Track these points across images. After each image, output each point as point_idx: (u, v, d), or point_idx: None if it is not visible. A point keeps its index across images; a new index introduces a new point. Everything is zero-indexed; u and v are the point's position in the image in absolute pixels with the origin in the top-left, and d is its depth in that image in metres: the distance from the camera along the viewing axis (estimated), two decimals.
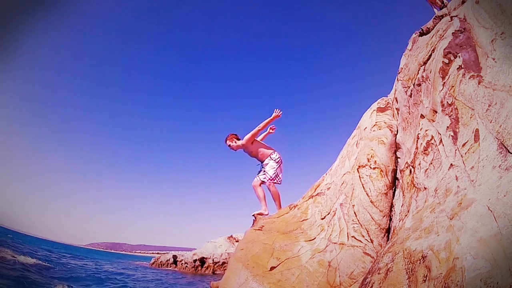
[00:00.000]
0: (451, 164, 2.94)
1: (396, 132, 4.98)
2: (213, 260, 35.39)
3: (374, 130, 5.18)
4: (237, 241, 37.60)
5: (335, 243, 4.09)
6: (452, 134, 3.13)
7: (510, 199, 1.95)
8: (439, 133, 3.41)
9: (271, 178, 5.80)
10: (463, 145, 2.89)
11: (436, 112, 3.60)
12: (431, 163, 3.39)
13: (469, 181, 2.55)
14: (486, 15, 3.46)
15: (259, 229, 4.86)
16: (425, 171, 3.48)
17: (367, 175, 4.55)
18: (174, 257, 39.32)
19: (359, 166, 4.72)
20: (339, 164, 5.53)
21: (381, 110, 5.67)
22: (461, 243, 2.01)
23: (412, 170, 3.86)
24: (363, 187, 4.46)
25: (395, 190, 4.45)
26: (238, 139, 6.16)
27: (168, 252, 47.11)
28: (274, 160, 5.96)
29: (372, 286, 2.64)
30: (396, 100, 5.23)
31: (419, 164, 3.69)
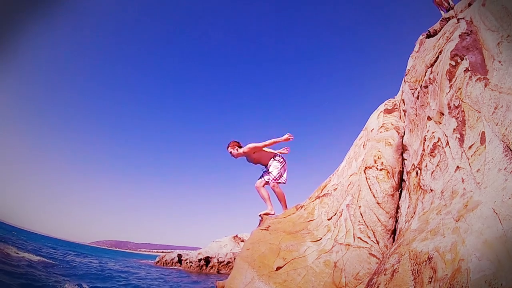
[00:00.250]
0: (458, 167, 2.95)
1: (403, 134, 4.98)
2: (218, 259, 35.43)
3: (381, 132, 5.18)
4: (242, 241, 37.63)
5: (341, 244, 4.11)
6: (458, 136, 3.14)
7: None
8: (445, 135, 3.41)
9: (275, 178, 5.81)
10: (470, 147, 2.90)
11: (443, 114, 3.60)
12: (438, 165, 3.40)
13: (475, 184, 2.56)
14: (492, 18, 3.46)
15: (265, 229, 4.89)
16: (432, 173, 3.49)
17: (373, 177, 4.56)
18: (179, 256, 39.40)
19: (366, 167, 4.73)
20: (346, 165, 5.54)
21: (388, 111, 5.68)
22: (466, 245, 2.03)
23: (419, 172, 3.87)
24: (370, 188, 4.47)
25: (401, 191, 4.45)
26: (240, 147, 6.15)
27: (173, 251, 47.23)
28: (278, 161, 5.99)
29: (378, 286, 2.66)
30: (403, 102, 5.23)
31: (426, 166, 3.69)
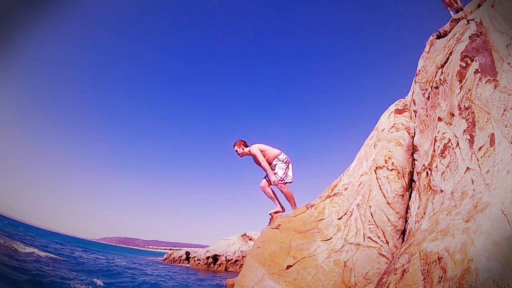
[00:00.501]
0: (467, 168, 2.97)
1: (413, 134, 4.98)
2: (226, 257, 35.55)
3: (392, 132, 5.19)
4: (250, 239, 37.71)
5: (351, 243, 4.13)
6: (468, 137, 3.15)
7: None
8: (456, 136, 3.42)
9: (281, 179, 5.84)
10: (479, 149, 2.92)
11: (453, 115, 3.61)
12: (448, 166, 3.41)
13: (484, 185, 2.59)
14: (501, 20, 3.48)
15: (276, 228, 4.93)
16: (442, 174, 3.50)
17: (384, 177, 4.58)
18: (187, 253, 39.56)
19: (376, 167, 4.75)
20: (356, 164, 5.56)
21: (398, 111, 5.68)
22: (476, 246, 2.06)
23: (429, 172, 3.87)
24: (380, 188, 4.49)
25: (411, 192, 4.46)
26: (246, 146, 6.26)
27: (181, 248, 47.39)
28: (282, 161, 6.00)
29: (388, 286, 2.70)
30: (414, 102, 5.23)
31: (436, 166, 3.70)
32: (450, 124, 3.65)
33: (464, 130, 3.27)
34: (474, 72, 3.45)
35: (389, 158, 4.72)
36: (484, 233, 2.09)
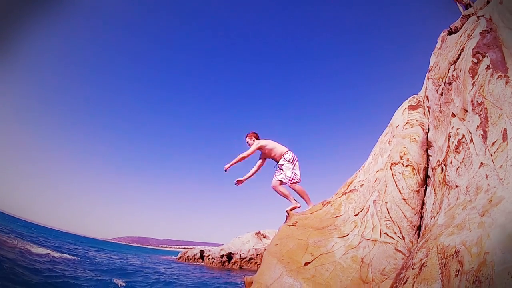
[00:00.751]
0: (481, 163, 3.02)
1: (427, 130, 5.00)
2: (240, 255, 35.61)
3: (406, 128, 5.21)
4: (264, 237, 37.77)
5: (368, 239, 4.18)
6: (482, 133, 3.20)
7: None
8: (469, 131, 3.46)
9: (290, 179, 5.87)
10: (492, 144, 2.97)
11: (466, 111, 3.65)
12: (463, 162, 3.45)
13: (498, 180, 2.65)
14: (510, 16, 3.51)
15: (293, 225, 5.00)
16: (457, 169, 3.54)
17: (399, 173, 4.61)
18: (201, 252, 39.69)
19: (391, 164, 4.78)
20: (371, 161, 5.59)
21: (412, 108, 5.69)
22: (491, 239, 2.13)
23: (444, 168, 3.91)
24: (396, 184, 4.53)
25: (426, 187, 4.49)
26: (258, 138, 6.35)
27: (195, 247, 47.52)
28: (288, 160, 6.02)
29: (406, 281, 2.76)
30: (427, 99, 5.23)
31: (451, 162, 3.74)
32: (464, 120, 3.68)
33: (478, 126, 3.31)
34: (486, 68, 3.49)
35: (404, 154, 4.75)
36: (499, 226, 2.16)
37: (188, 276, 21.83)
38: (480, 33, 3.93)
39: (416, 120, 5.26)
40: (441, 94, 4.55)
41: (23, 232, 33.96)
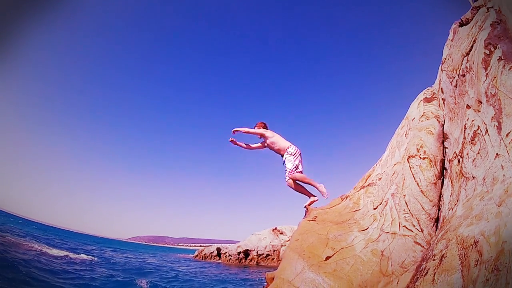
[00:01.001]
0: (497, 154, 3.06)
1: (443, 122, 5.02)
2: (257, 252, 35.66)
3: (422, 121, 5.23)
4: (281, 233, 37.81)
5: (387, 232, 4.25)
6: (496, 124, 3.24)
7: None
8: (484, 123, 3.49)
9: (290, 171, 6.02)
10: (507, 135, 3.01)
11: (481, 102, 3.67)
12: (479, 153, 3.48)
13: None
14: None
15: (312, 220, 5.07)
16: (473, 160, 3.57)
17: (417, 165, 4.63)
18: (218, 249, 39.80)
19: (409, 156, 4.81)
20: (389, 154, 5.63)
21: (427, 100, 5.70)
22: (508, 228, 2.19)
23: (461, 160, 3.94)
24: (414, 177, 4.56)
25: (443, 180, 4.52)
26: (265, 128, 6.60)
27: (211, 244, 47.65)
28: (290, 154, 6.18)
29: (427, 272, 2.82)
30: (442, 91, 5.22)
31: (467, 154, 3.77)
32: (479, 111, 3.71)
33: (492, 117, 3.35)
34: (498, 59, 3.52)
35: (421, 146, 4.78)
36: None
37: (206, 273, 21.94)
38: (490, 24, 3.94)
39: (432, 113, 5.28)
40: (456, 86, 4.55)
41: (39, 235, 34.24)
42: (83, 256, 19.96)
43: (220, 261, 37.97)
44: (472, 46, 4.28)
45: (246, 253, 35.74)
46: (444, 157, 4.65)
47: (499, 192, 2.68)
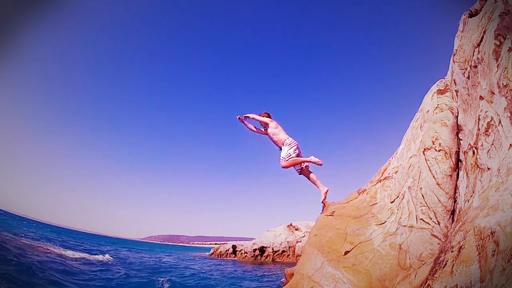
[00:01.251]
0: (510, 145, 3.10)
1: (457, 114, 5.02)
2: (272, 249, 35.63)
3: (436, 113, 5.24)
4: (296, 229, 37.75)
5: (404, 226, 4.29)
6: (509, 115, 3.26)
7: None
8: (497, 114, 3.52)
9: (282, 158, 6.19)
10: None
11: (493, 93, 3.69)
12: (493, 144, 3.51)
13: None
14: None
15: (330, 215, 5.13)
16: (488, 151, 3.60)
17: (432, 158, 4.66)
18: (234, 247, 39.77)
19: (424, 149, 4.84)
20: (404, 147, 5.66)
21: (441, 92, 5.70)
22: None
23: (475, 151, 3.96)
24: (430, 169, 4.59)
25: (458, 172, 4.53)
26: (269, 117, 6.77)
27: (227, 242, 47.61)
28: (287, 144, 6.33)
29: (445, 264, 2.87)
30: (455, 82, 5.19)
31: (482, 145, 3.79)
32: (491, 102, 3.73)
33: (505, 108, 3.38)
34: (508, 50, 3.53)
35: (436, 139, 4.80)
36: None
37: (222, 270, 21.98)
38: (499, 15, 3.93)
39: (445, 104, 5.29)
40: (468, 77, 4.54)
41: (54, 238, 34.32)
42: (99, 257, 19.94)
43: (235, 258, 37.97)
44: (482, 37, 4.27)
45: (262, 250, 35.71)
46: (459, 148, 4.67)
47: None
